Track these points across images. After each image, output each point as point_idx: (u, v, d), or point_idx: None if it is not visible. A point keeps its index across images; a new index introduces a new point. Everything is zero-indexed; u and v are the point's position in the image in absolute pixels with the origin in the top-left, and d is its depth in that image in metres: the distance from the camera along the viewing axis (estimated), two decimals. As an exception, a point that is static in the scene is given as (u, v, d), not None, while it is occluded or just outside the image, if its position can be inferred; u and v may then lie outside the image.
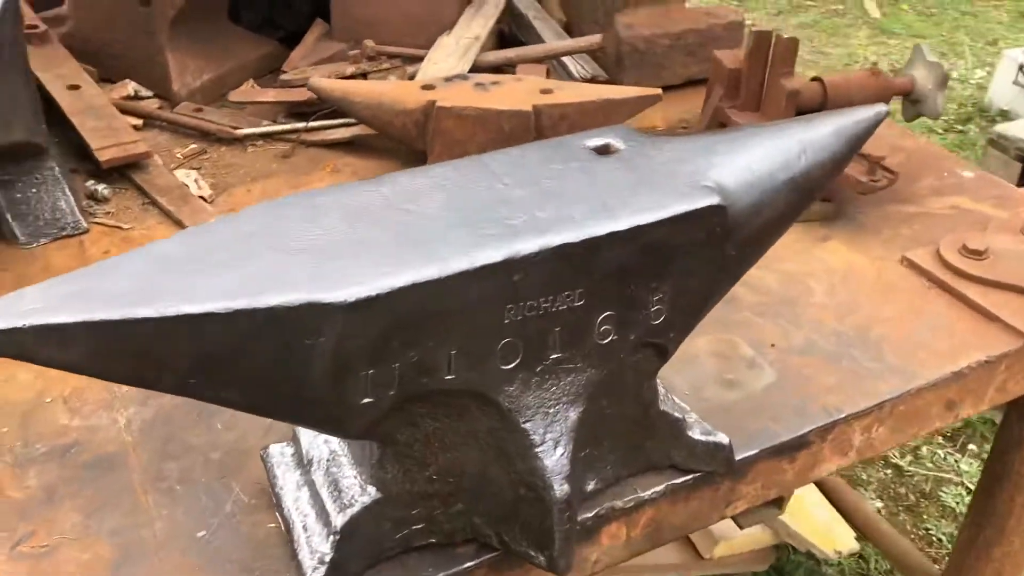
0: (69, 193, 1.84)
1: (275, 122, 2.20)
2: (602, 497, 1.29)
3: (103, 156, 1.97)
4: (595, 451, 1.26)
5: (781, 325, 1.64)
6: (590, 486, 1.28)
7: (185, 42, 2.37)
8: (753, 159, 1.16)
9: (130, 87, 2.34)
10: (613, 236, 1.02)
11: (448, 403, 1.07)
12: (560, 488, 1.09)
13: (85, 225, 1.84)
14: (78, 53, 2.28)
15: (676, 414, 1.29)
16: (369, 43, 2.18)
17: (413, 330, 0.97)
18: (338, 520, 1.13)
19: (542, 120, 1.90)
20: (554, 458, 1.10)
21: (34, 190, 1.81)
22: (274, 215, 1.02)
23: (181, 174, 2.01)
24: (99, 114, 2.12)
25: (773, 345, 1.58)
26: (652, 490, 1.31)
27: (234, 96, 2.26)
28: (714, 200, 1.08)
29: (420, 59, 2.22)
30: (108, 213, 1.90)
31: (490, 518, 1.17)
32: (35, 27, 2.27)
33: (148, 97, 2.36)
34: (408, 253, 0.97)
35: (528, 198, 1.07)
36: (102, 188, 1.96)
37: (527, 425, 1.09)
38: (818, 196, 1.40)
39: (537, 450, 1.09)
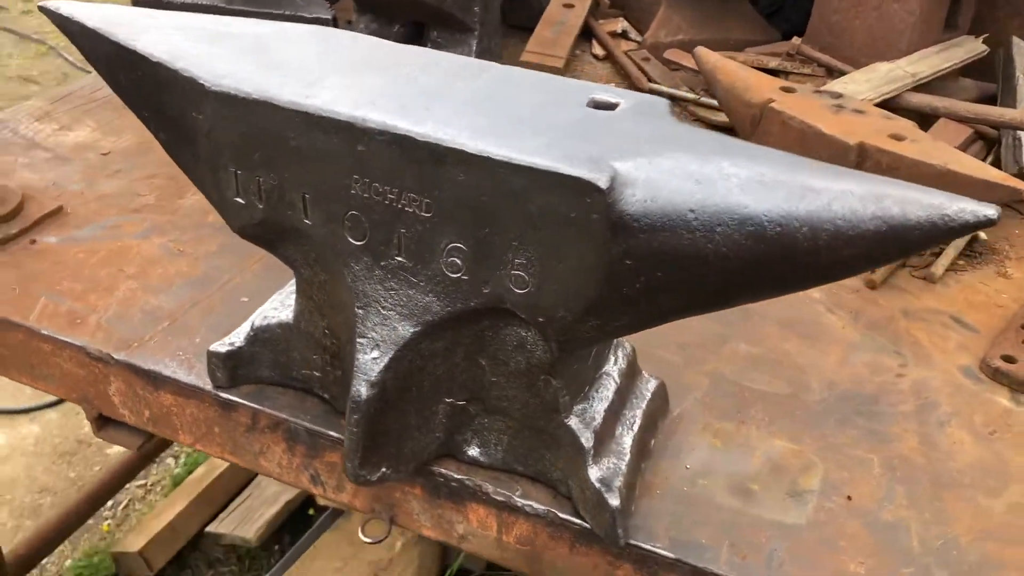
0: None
1: (689, 88, 2.20)
2: (479, 472, 1.18)
3: (522, 57, 2.23)
4: (485, 420, 1.16)
5: (905, 492, 1.20)
6: (471, 451, 1.18)
7: (686, 2, 2.47)
8: (722, 173, 0.91)
9: (620, 24, 2.54)
10: (459, 154, 0.93)
11: (318, 256, 1.10)
12: (358, 388, 1.06)
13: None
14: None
15: (584, 440, 1.09)
16: (796, 42, 2.01)
17: (270, 150, 1.03)
18: (256, 319, 1.26)
19: (865, 163, 1.60)
20: (367, 357, 1.06)
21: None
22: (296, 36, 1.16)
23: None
24: (561, 30, 2.38)
25: (849, 498, 1.17)
26: (529, 502, 1.14)
27: (668, 54, 2.30)
28: (592, 177, 0.89)
29: (844, 74, 1.97)
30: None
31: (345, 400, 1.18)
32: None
33: (632, 39, 2.53)
34: (294, 83, 1.02)
35: (437, 94, 1.02)
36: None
37: (359, 311, 1.07)
38: (819, 282, 0.97)
39: (358, 340, 1.07)
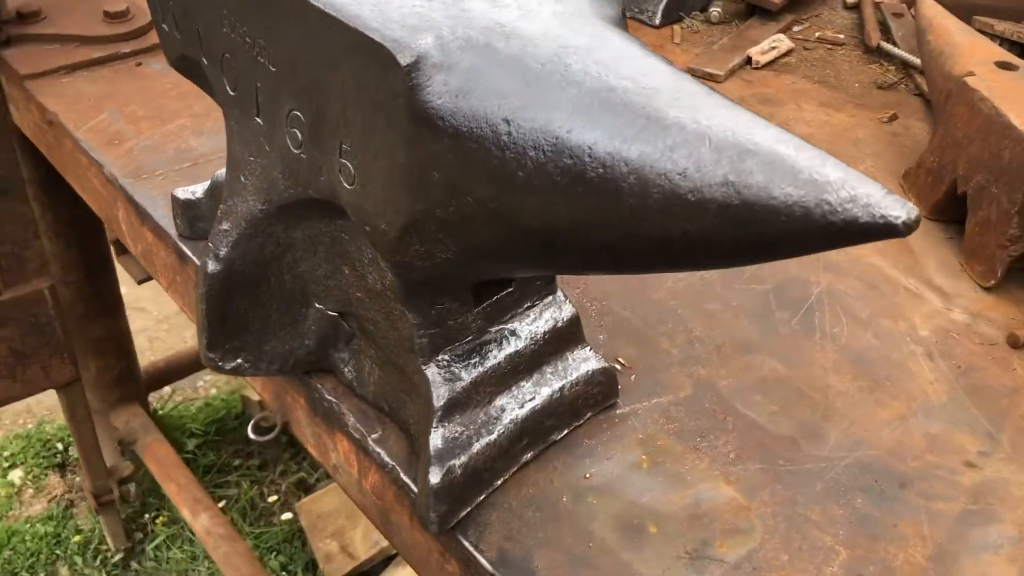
0: None
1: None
2: (350, 399, 1.01)
3: None
4: (360, 343, 0.98)
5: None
6: (348, 373, 1.01)
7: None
8: (565, 77, 0.64)
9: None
10: (287, -5, 0.75)
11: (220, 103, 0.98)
12: (204, 261, 0.93)
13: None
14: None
15: (435, 396, 0.88)
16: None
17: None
18: (219, 172, 1.16)
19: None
20: (219, 228, 0.93)
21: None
22: None
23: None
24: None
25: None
26: (379, 449, 0.96)
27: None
28: (392, 46, 0.67)
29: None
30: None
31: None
32: None
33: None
34: None
35: None
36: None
37: (228, 175, 0.94)
38: (656, 264, 0.62)
39: (220, 207, 0.94)
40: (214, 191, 1.16)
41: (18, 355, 1.85)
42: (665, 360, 1.09)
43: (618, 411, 1.02)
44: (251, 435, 1.13)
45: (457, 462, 0.87)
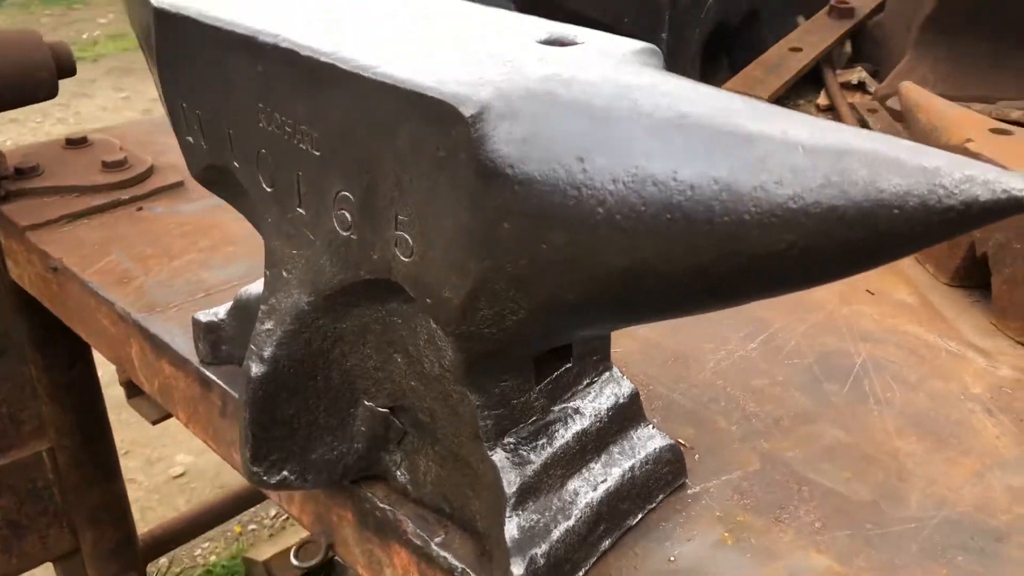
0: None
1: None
2: (406, 504, 0.94)
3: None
4: (415, 440, 0.93)
5: None
6: (401, 476, 0.95)
7: (941, 50, 2.08)
8: (634, 110, 0.64)
9: (858, 75, 2.20)
10: (333, 70, 0.74)
11: (251, 210, 0.96)
12: (248, 364, 0.89)
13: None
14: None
15: (505, 482, 0.83)
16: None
17: (202, 74, 0.91)
18: (241, 292, 1.13)
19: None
20: (262, 328, 0.89)
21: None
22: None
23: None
24: (773, 72, 2.10)
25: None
26: (446, 553, 0.89)
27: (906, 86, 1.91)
28: (454, 100, 0.66)
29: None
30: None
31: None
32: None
33: (869, 92, 2.18)
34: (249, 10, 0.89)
35: (365, 13, 0.85)
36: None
37: (267, 273, 0.91)
38: (763, 289, 0.59)
39: (260, 308, 0.91)
40: (238, 311, 1.12)
41: (14, 526, 1.74)
42: (725, 437, 1.05)
43: (689, 491, 0.97)
44: (294, 562, 1.05)
45: (539, 551, 0.81)
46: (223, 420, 1.17)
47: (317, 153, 0.80)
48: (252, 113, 0.86)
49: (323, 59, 0.75)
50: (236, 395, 1.12)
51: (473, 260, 0.70)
